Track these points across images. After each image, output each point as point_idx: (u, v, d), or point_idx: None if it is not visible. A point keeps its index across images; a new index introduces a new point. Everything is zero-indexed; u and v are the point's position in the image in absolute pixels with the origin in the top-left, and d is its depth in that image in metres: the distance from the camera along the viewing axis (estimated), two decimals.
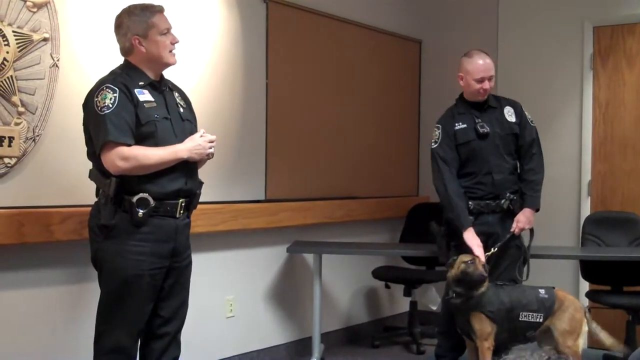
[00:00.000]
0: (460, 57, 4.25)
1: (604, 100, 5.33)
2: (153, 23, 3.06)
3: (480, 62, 4.10)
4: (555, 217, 5.00)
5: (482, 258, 3.87)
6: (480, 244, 3.94)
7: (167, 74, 3.25)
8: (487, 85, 4.08)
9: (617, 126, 5.30)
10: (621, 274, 4.68)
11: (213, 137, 3.16)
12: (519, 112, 4.20)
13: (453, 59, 5.45)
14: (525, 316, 3.79)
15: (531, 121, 4.20)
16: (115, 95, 2.93)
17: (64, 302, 3.57)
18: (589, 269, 4.83)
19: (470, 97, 4.16)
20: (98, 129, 2.95)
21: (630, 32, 5.24)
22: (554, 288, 3.94)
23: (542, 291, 3.86)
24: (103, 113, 2.91)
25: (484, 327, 3.76)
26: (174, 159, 3.01)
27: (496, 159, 4.10)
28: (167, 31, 3.10)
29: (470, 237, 3.96)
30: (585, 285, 5.06)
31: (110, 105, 2.92)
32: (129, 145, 2.93)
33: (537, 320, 3.79)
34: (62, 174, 3.45)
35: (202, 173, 3.33)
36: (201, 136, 3.12)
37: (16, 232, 3.25)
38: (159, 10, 3.11)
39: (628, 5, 5.21)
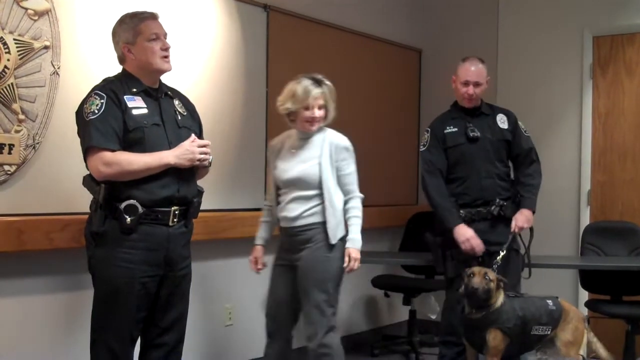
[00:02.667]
0: None
1: (604, 110, 5.34)
2: (140, 30, 3.06)
3: (469, 66, 4.15)
4: (554, 227, 5.00)
5: (474, 249, 3.91)
6: (473, 235, 3.95)
7: (167, 81, 3.26)
8: (471, 90, 4.10)
9: (616, 136, 5.30)
10: (621, 284, 4.68)
11: (204, 142, 3.14)
12: (512, 120, 4.23)
13: (453, 68, 5.45)
14: (536, 330, 3.76)
15: (525, 131, 4.23)
16: (102, 101, 2.94)
17: (64, 309, 3.57)
18: (589, 279, 4.83)
19: (459, 102, 4.20)
20: (83, 135, 2.97)
21: (630, 41, 5.25)
22: (557, 298, 3.93)
23: (549, 302, 3.82)
24: (88, 119, 2.92)
25: (498, 345, 3.70)
26: (160, 164, 2.99)
27: (485, 163, 4.12)
28: (157, 37, 3.08)
29: (461, 233, 3.98)
30: (584, 295, 5.06)
31: (96, 111, 2.92)
32: (113, 150, 2.93)
33: (546, 332, 3.77)
34: (62, 182, 3.45)
35: (202, 180, 3.34)
36: (192, 142, 3.10)
37: (16, 239, 3.25)
38: (148, 16, 3.11)
39: (627, 15, 5.23)
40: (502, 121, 4.21)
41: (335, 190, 3.63)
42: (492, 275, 3.71)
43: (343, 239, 3.65)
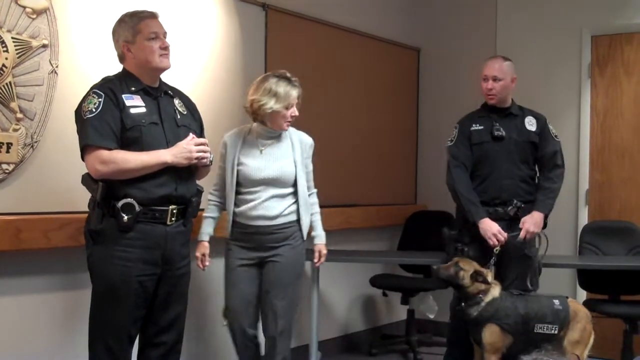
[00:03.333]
0: (458, 65, 4.27)
1: (602, 109, 5.34)
2: (139, 29, 3.07)
3: (491, 63, 4.18)
4: (553, 226, 4.97)
5: (501, 242, 3.93)
6: (497, 231, 3.96)
7: (165, 79, 3.25)
8: (490, 85, 4.13)
9: (614, 135, 5.31)
10: (619, 283, 4.69)
11: (201, 140, 3.13)
12: (541, 123, 4.22)
13: (451, 67, 5.48)
14: (540, 328, 3.75)
15: (555, 136, 4.23)
16: (100, 100, 2.95)
17: (62, 308, 3.56)
18: (587, 278, 4.84)
19: (487, 100, 4.21)
20: (80, 133, 2.98)
21: (628, 41, 5.25)
22: (567, 298, 3.93)
23: (556, 302, 3.82)
24: (86, 117, 2.93)
25: (495, 341, 3.70)
26: (157, 163, 3.00)
27: (508, 164, 4.12)
28: (156, 36, 3.09)
29: (486, 228, 3.99)
30: (582, 294, 5.07)
31: (94, 110, 2.93)
32: (110, 149, 2.93)
33: (552, 332, 3.76)
34: (60, 181, 3.45)
35: (201, 180, 3.33)
36: (189, 141, 3.09)
37: (14, 238, 3.24)
38: (147, 16, 3.11)
39: (626, 15, 5.23)
40: (530, 123, 4.20)
41: (305, 187, 3.74)
42: (467, 266, 3.80)
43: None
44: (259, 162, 3.63)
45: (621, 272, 4.60)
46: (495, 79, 4.12)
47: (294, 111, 3.65)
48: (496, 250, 3.96)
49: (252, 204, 3.62)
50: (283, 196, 3.65)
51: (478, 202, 4.07)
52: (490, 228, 3.99)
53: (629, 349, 4.52)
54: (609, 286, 4.71)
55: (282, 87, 3.60)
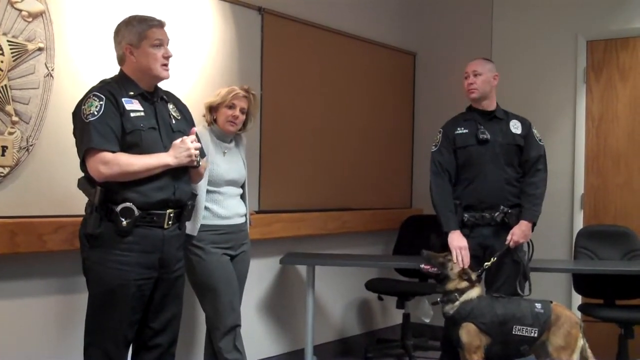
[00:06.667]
0: (454, 70, 4.27)
1: (597, 114, 5.36)
2: (146, 34, 3.07)
3: (470, 62, 4.19)
4: (548, 231, 5.00)
5: (462, 261, 3.91)
6: (462, 246, 3.95)
7: (162, 83, 3.25)
8: (471, 79, 4.13)
9: (610, 140, 5.32)
10: (614, 288, 4.69)
11: (192, 137, 3.11)
12: (526, 127, 4.21)
13: (447, 71, 5.48)
14: (519, 330, 3.76)
15: (539, 140, 4.21)
16: (101, 103, 2.94)
17: (56, 312, 3.56)
18: (582, 283, 4.84)
19: (469, 100, 4.20)
20: (82, 136, 2.96)
21: (624, 46, 5.27)
22: (551, 302, 3.93)
23: (538, 305, 3.84)
24: (88, 120, 2.92)
25: (472, 340, 3.73)
26: (159, 165, 2.99)
27: (494, 167, 4.11)
28: (160, 43, 3.09)
29: (453, 239, 3.99)
30: (577, 299, 5.07)
31: (96, 113, 2.92)
32: (113, 152, 2.93)
33: (532, 335, 3.76)
34: (56, 184, 3.45)
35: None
36: (182, 140, 3.08)
37: (9, 241, 3.24)
38: (157, 24, 3.12)
39: (621, 20, 5.25)
40: (515, 126, 4.19)
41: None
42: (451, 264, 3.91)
43: None
44: (226, 164, 3.75)
45: (616, 276, 4.61)
46: (475, 74, 4.12)
47: (236, 111, 3.73)
48: (493, 259, 3.97)
49: (223, 203, 3.73)
50: (241, 196, 3.87)
51: (452, 212, 4.08)
52: (457, 242, 3.98)
53: (624, 353, 4.53)
54: (604, 291, 4.72)
55: (229, 88, 3.77)
